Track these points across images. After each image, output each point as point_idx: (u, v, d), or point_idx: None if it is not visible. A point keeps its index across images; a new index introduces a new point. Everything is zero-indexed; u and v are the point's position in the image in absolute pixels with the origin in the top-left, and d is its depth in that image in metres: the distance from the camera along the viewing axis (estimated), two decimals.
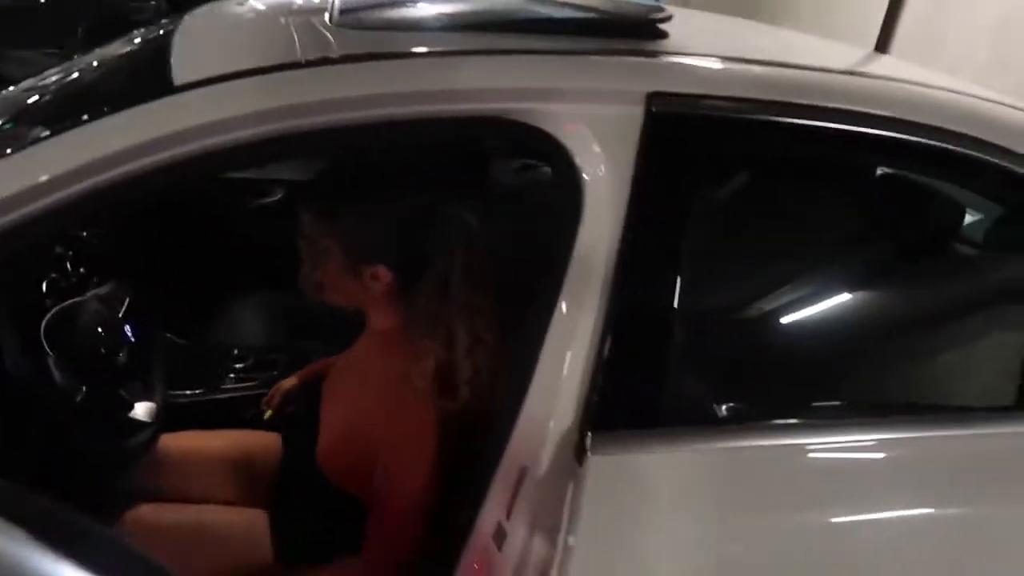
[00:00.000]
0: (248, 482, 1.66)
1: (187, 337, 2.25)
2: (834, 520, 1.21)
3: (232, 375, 2.14)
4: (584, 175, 1.18)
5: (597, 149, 1.18)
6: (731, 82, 1.25)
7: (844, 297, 1.41)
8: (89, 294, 1.59)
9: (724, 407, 1.24)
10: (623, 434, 1.16)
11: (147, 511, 1.48)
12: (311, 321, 2.18)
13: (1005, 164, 1.28)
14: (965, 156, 1.28)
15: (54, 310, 1.47)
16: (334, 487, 1.47)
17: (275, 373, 2.10)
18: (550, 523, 1.15)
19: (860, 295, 1.42)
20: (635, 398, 1.19)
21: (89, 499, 1.43)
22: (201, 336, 2.30)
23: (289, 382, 1.83)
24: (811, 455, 1.23)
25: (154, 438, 1.61)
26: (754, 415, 1.24)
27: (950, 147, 1.27)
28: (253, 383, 2.11)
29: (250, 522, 1.52)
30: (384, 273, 1.32)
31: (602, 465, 1.13)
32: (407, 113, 1.15)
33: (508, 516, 1.20)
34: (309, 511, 1.54)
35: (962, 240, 1.55)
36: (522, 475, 1.20)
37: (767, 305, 1.34)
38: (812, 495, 1.21)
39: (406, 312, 1.35)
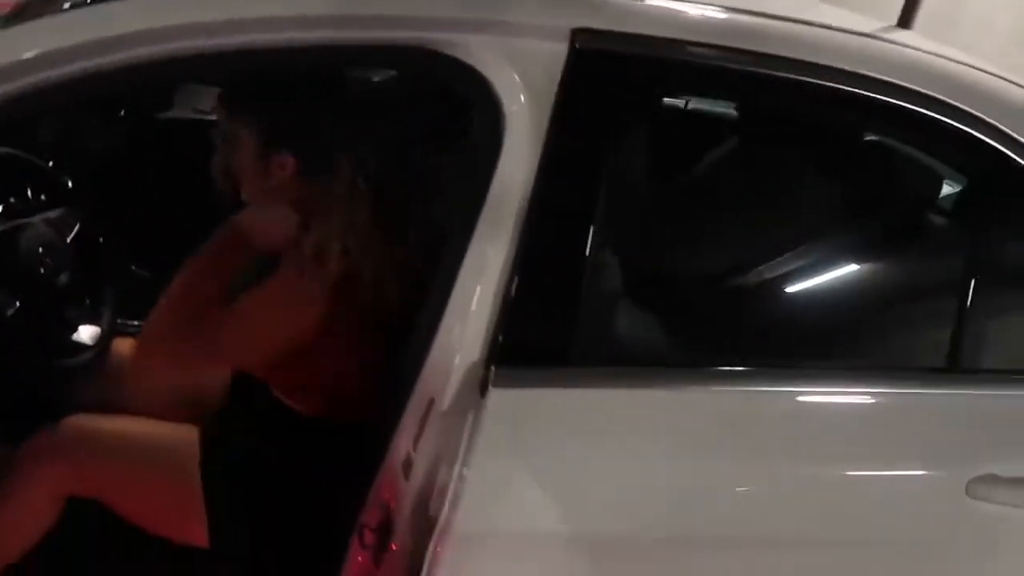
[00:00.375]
0: (193, 400, 1.68)
1: (154, 270, 2.26)
2: (731, 464, 1.21)
3: None
4: (504, 110, 1.17)
5: (518, 83, 1.18)
6: (660, 22, 1.23)
7: (764, 238, 1.40)
8: (36, 217, 1.61)
9: (630, 348, 1.24)
10: (526, 370, 1.16)
11: (84, 419, 1.50)
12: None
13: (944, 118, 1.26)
14: (914, 112, 1.26)
15: None
16: (275, 408, 1.54)
17: None
18: (451, 454, 1.16)
19: (783, 237, 1.39)
20: (540, 335, 1.19)
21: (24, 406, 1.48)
22: (169, 269, 2.31)
23: None
24: (715, 400, 1.22)
25: (99, 359, 1.64)
26: (661, 358, 1.24)
27: (900, 102, 1.25)
28: None
29: (183, 438, 1.53)
30: (289, 161, 1.41)
31: (502, 399, 1.14)
32: (327, 38, 1.15)
33: (415, 447, 1.21)
34: (244, 432, 1.56)
35: (896, 193, 1.52)
36: (430, 406, 1.21)
37: (680, 248, 1.34)
38: (712, 440, 1.20)
39: (305, 199, 1.42)
